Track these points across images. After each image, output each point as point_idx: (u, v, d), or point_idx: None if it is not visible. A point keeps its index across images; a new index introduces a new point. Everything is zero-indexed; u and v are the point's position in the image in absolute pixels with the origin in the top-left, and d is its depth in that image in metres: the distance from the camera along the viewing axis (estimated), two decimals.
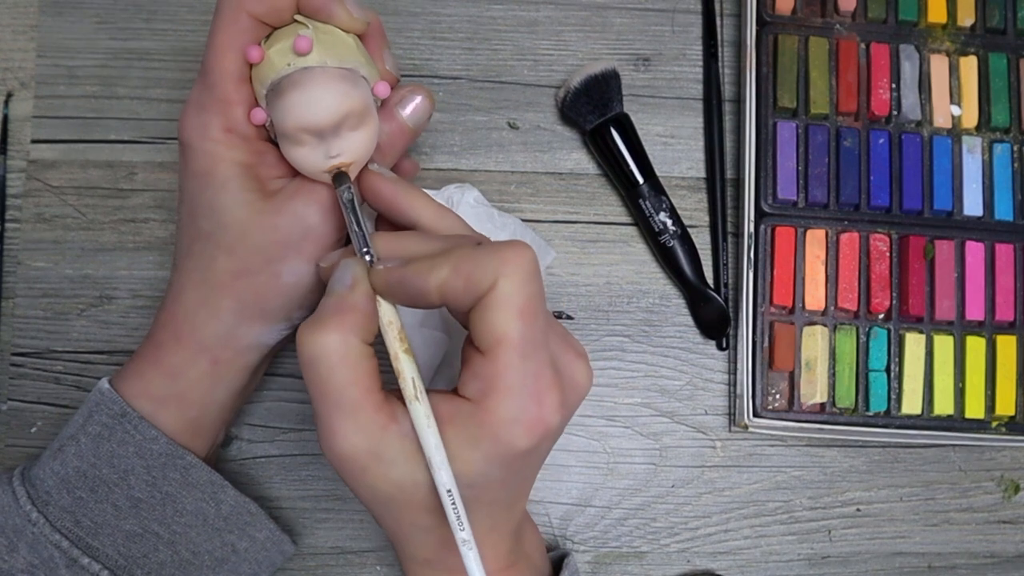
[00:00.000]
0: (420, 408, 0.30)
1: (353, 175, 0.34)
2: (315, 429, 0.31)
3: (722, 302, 0.46)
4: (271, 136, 0.35)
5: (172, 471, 0.36)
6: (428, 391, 0.31)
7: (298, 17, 0.34)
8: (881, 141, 0.47)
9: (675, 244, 0.46)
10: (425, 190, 0.36)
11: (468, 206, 0.43)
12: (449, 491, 0.29)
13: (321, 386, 0.30)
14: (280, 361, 0.45)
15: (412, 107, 0.37)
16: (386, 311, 0.31)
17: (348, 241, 0.36)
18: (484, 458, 0.30)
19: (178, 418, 0.37)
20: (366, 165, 0.35)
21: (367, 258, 0.32)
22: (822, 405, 0.45)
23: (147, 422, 0.36)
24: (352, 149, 0.33)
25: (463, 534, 0.29)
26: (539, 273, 0.30)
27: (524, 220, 0.47)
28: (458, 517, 0.29)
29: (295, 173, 0.35)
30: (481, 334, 0.29)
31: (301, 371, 0.30)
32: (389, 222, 0.36)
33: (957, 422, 0.45)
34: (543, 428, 0.30)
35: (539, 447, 0.30)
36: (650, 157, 0.47)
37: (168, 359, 0.36)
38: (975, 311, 0.46)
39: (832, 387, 0.45)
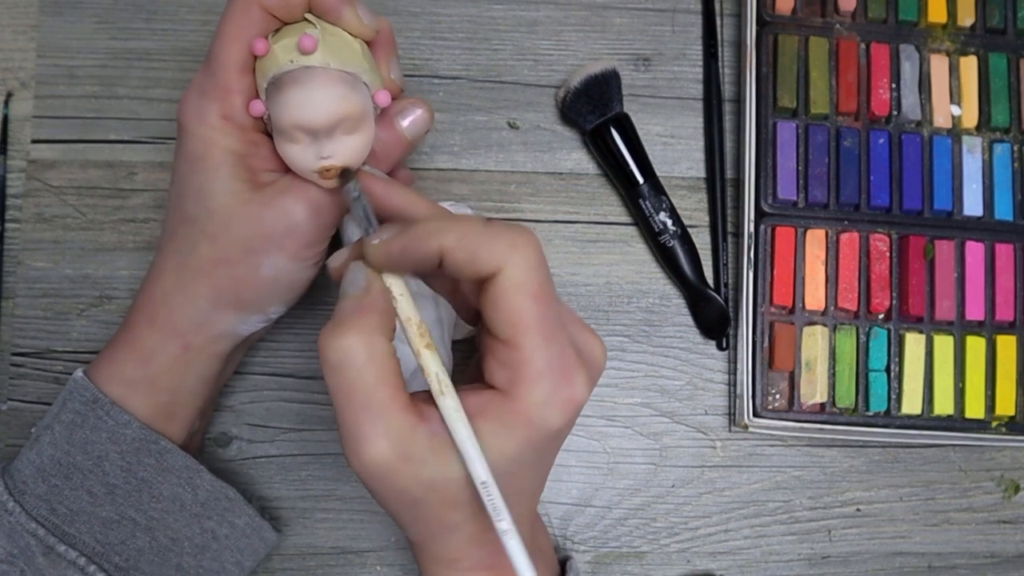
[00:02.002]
0: (449, 402, 0.29)
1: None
2: (338, 438, 0.30)
3: (722, 302, 0.46)
4: (268, 129, 0.36)
5: (147, 456, 0.36)
6: (456, 387, 0.30)
7: (308, 16, 0.34)
8: (881, 141, 0.47)
9: (675, 244, 0.46)
10: None
11: None
12: (484, 483, 0.29)
13: (348, 390, 0.29)
14: (281, 361, 0.45)
15: (412, 119, 0.37)
16: (404, 307, 0.31)
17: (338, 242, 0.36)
18: (518, 445, 0.30)
19: (149, 402, 0.37)
20: (359, 167, 0.35)
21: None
22: (822, 405, 0.45)
23: (119, 407, 0.36)
24: (344, 152, 0.33)
25: (503, 524, 0.29)
26: (545, 260, 0.30)
27: (524, 220, 0.47)
28: (495, 508, 0.29)
29: (288, 169, 0.35)
30: (498, 321, 0.29)
31: (325, 378, 0.29)
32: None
33: (957, 422, 0.45)
34: (574, 406, 0.30)
35: (568, 426, 0.31)
36: (650, 157, 0.47)
37: (141, 342, 0.37)
38: (975, 311, 0.46)
39: (832, 387, 0.45)
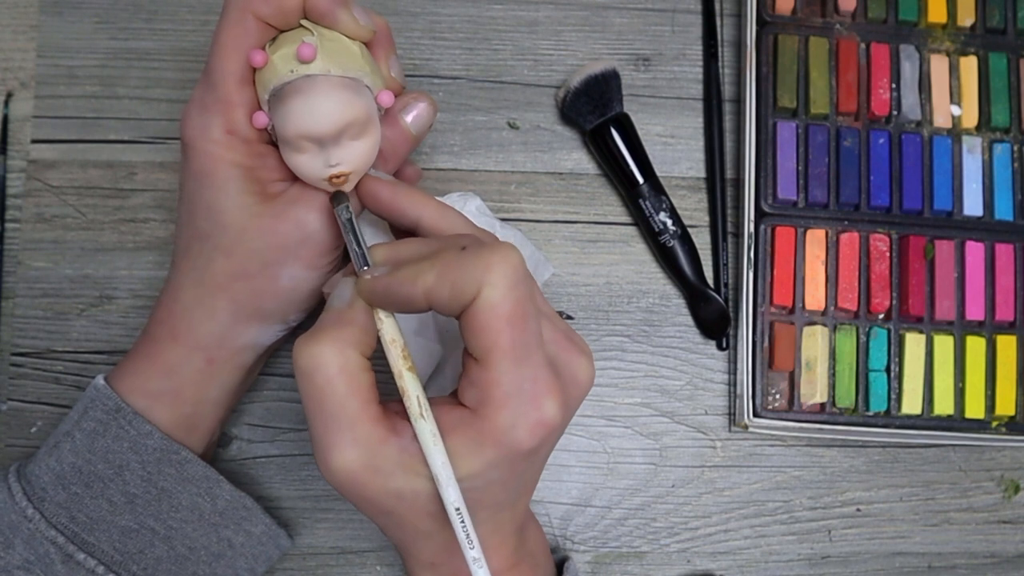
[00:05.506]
0: (426, 426, 0.29)
1: (352, 184, 0.34)
2: (310, 446, 0.30)
3: (722, 302, 0.46)
4: (273, 139, 0.35)
5: (167, 466, 0.36)
6: (429, 400, 0.30)
7: (304, 22, 0.34)
8: (881, 141, 0.47)
9: (675, 244, 0.46)
10: None
11: (470, 215, 0.42)
12: (458, 509, 0.29)
13: (318, 398, 0.29)
14: (279, 361, 0.45)
15: (415, 114, 0.37)
16: (388, 329, 0.31)
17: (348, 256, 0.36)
18: (487, 463, 0.30)
19: (172, 414, 0.37)
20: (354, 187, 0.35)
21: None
22: (822, 405, 0.45)
23: (141, 417, 0.36)
24: (352, 158, 0.33)
25: (473, 552, 0.29)
26: (527, 275, 0.29)
27: (524, 220, 0.47)
28: (467, 536, 0.29)
29: (296, 177, 0.35)
30: (471, 342, 0.29)
31: (297, 385, 0.30)
32: (398, 229, 0.36)
33: (957, 422, 0.45)
34: (545, 429, 0.30)
35: (542, 447, 0.30)
36: (650, 157, 0.47)
37: (163, 356, 0.36)
38: (975, 311, 0.46)
39: (832, 387, 0.45)
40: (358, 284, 0.31)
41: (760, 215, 0.46)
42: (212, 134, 0.34)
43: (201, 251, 0.35)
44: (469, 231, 0.34)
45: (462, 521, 0.29)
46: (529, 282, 0.29)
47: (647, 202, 0.46)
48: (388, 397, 0.31)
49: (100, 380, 0.37)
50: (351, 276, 0.32)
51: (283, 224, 0.34)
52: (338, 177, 0.33)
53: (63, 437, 0.37)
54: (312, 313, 0.38)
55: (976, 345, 0.46)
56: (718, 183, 0.48)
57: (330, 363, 0.29)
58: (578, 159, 0.48)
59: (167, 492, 0.37)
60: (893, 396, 0.45)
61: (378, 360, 0.31)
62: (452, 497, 0.29)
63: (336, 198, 0.33)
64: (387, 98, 0.35)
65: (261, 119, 0.34)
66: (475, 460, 0.29)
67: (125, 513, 0.36)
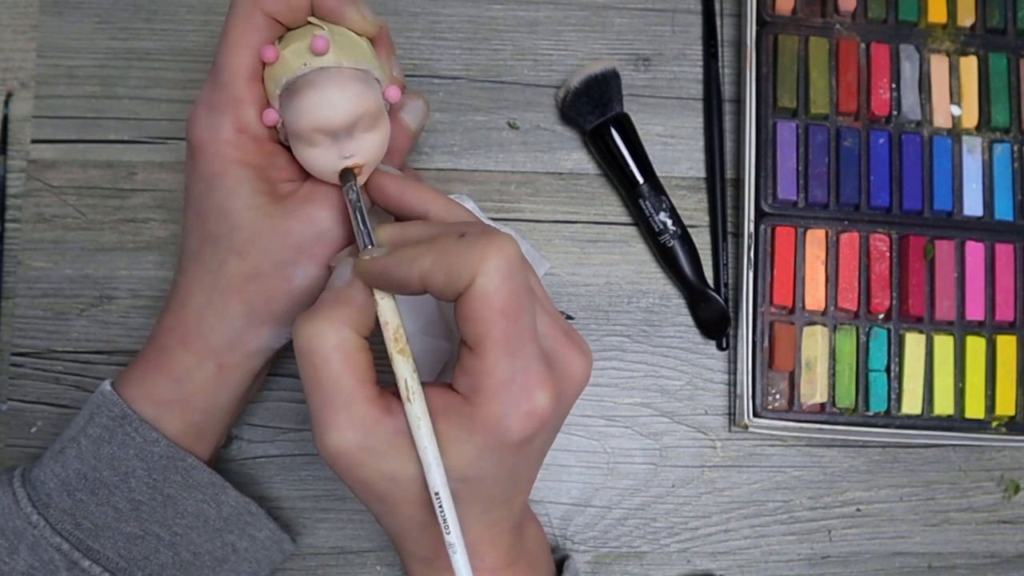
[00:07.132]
0: (412, 409, 0.30)
1: (365, 177, 0.34)
2: (311, 444, 0.31)
3: (722, 302, 0.46)
4: (280, 138, 0.35)
5: (173, 473, 0.36)
6: (425, 384, 0.31)
7: (311, 19, 0.34)
8: (881, 141, 0.47)
9: (675, 244, 0.46)
10: None
11: None
12: (437, 494, 0.29)
13: (315, 376, 0.30)
14: (281, 361, 0.45)
15: (412, 110, 0.38)
16: (383, 310, 0.31)
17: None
18: (477, 451, 0.30)
19: (182, 422, 0.37)
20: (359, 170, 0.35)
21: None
22: (822, 405, 0.45)
23: (148, 424, 0.36)
24: (365, 150, 0.33)
25: (449, 537, 0.29)
26: (523, 266, 0.29)
27: (524, 220, 0.47)
28: (444, 520, 0.29)
29: (305, 177, 0.35)
30: (465, 330, 0.29)
31: (297, 364, 0.30)
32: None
33: (957, 422, 0.45)
34: (536, 421, 0.29)
35: (533, 439, 0.30)
36: (650, 157, 0.47)
37: (173, 363, 0.36)
38: (975, 311, 0.46)
39: (832, 387, 0.45)
40: (356, 264, 0.31)
41: (760, 215, 0.46)
42: (222, 134, 0.34)
43: (214, 254, 0.35)
44: (472, 221, 0.34)
45: (440, 506, 0.29)
46: (524, 273, 0.29)
47: (647, 202, 0.46)
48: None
49: (107, 386, 0.37)
50: (354, 255, 0.32)
51: (296, 223, 0.34)
52: (352, 169, 0.33)
53: (69, 443, 0.36)
54: None
55: (976, 345, 0.46)
56: (718, 183, 0.48)
57: (326, 341, 0.29)
58: (578, 159, 0.48)
59: (172, 499, 0.36)
60: (893, 396, 0.45)
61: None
62: (434, 480, 0.29)
63: (343, 176, 0.33)
64: (394, 93, 0.35)
65: (271, 116, 0.34)
66: (465, 446, 0.30)
67: (130, 520, 0.36)
